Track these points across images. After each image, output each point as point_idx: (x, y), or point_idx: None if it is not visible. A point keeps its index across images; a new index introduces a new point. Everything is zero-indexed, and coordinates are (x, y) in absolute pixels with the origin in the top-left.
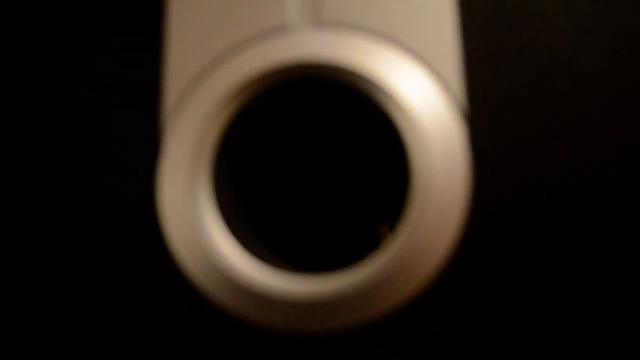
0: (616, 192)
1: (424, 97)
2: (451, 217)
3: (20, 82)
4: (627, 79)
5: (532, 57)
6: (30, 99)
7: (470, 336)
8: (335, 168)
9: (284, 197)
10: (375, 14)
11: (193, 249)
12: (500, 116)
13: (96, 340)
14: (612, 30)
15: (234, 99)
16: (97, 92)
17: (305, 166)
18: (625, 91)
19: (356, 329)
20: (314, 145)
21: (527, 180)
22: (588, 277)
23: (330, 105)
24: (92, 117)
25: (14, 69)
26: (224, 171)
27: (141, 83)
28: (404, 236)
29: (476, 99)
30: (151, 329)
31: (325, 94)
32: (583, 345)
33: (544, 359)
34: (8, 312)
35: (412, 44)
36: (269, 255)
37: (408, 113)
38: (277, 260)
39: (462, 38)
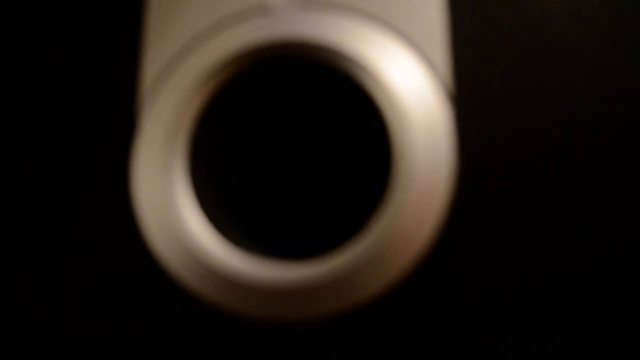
0: (604, 176)
1: (408, 77)
2: (434, 202)
3: None
4: (621, 65)
5: (523, 39)
6: (1, 83)
7: (450, 324)
8: (317, 150)
9: (265, 180)
10: None
11: (167, 234)
12: (487, 98)
13: (70, 328)
14: (607, 17)
15: (210, 80)
16: (73, 73)
17: (287, 148)
18: (618, 77)
19: (332, 317)
20: (296, 127)
21: (514, 163)
22: (572, 267)
23: (313, 85)
24: (67, 99)
25: None
26: (201, 154)
27: (118, 62)
28: (384, 222)
29: (463, 80)
30: (125, 317)
31: (307, 74)
32: (562, 336)
33: (523, 346)
34: None
35: (397, 23)
36: (248, 241)
37: (391, 94)
38: (257, 246)
39: (449, 17)
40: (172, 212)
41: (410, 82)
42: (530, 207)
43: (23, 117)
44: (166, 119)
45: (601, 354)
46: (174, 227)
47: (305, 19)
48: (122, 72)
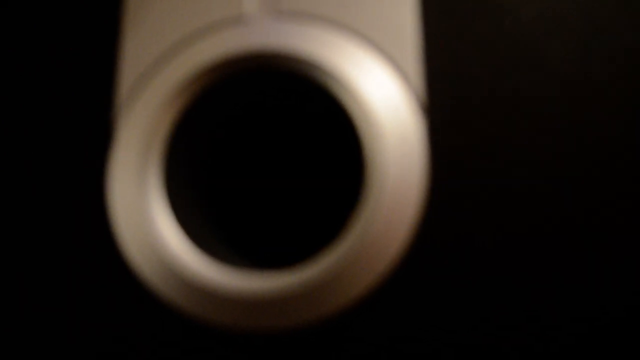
0: (578, 184)
1: (381, 88)
2: (406, 211)
3: None
4: (594, 70)
5: (494, 48)
6: None
7: (424, 332)
8: (293, 161)
9: (241, 189)
10: (334, 3)
11: (141, 243)
12: (459, 109)
13: (41, 336)
14: (579, 22)
15: (187, 90)
16: (50, 81)
17: (263, 159)
18: (591, 83)
19: (306, 326)
20: (271, 136)
21: (485, 172)
22: (545, 271)
23: (287, 95)
24: (44, 107)
25: None
26: (177, 164)
27: (94, 71)
28: (356, 231)
29: (435, 91)
30: (99, 325)
31: (281, 84)
32: (541, 339)
33: (499, 347)
34: None
35: (369, 33)
36: (223, 251)
37: (364, 104)
38: (233, 255)
39: (421, 28)
40: (147, 223)
41: (382, 92)
42: (502, 215)
43: None
44: (142, 129)
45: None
46: (149, 238)
47: (280, 29)
48: (97, 82)
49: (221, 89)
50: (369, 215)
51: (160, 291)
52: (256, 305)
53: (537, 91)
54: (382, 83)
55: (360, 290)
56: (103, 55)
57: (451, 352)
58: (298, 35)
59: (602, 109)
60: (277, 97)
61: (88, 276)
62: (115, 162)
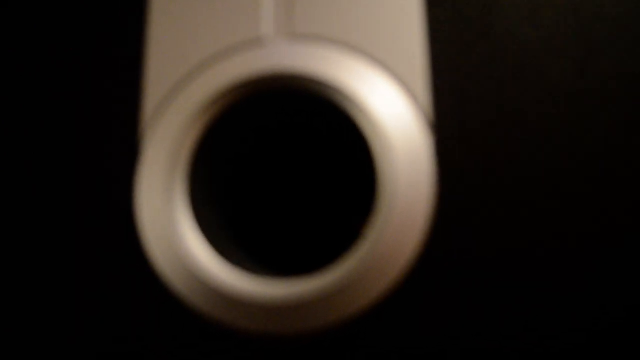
0: (581, 200)
1: (391, 107)
2: (415, 226)
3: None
4: (593, 88)
5: (498, 67)
6: (9, 108)
7: (434, 340)
8: (309, 175)
9: (261, 203)
10: (345, 26)
11: (168, 254)
12: (466, 126)
13: (73, 343)
14: (577, 41)
15: (209, 109)
16: (77, 101)
17: (281, 173)
18: (591, 100)
19: (323, 332)
20: (288, 154)
21: (492, 189)
22: (551, 281)
23: (303, 115)
24: (72, 125)
25: None
26: (201, 178)
27: (121, 93)
28: (369, 242)
29: (442, 109)
30: (127, 331)
31: (297, 104)
32: (550, 348)
33: (508, 356)
34: None
35: (380, 55)
36: (245, 260)
37: (374, 122)
38: (253, 264)
39: (429, 49)
40: (174, 235)
41: (392, 111)
42: (509, 231)
43: (27, 142)
44: (167, 147)
45: None
46: (176, 248)
47: (296, 52)
48: (124, 103)
49: (241, 109)
50: (382, 225)
51: (187, 298)
52: (276, 311)
53: (540, 108)
54: (391, 101)
55: (374, 297)
56: (129, 77)
57: (461, 358)
58: (313, 57)
59: (601, 126)
60: (294, 116)
61: (120, 288)
62: (143, 179)
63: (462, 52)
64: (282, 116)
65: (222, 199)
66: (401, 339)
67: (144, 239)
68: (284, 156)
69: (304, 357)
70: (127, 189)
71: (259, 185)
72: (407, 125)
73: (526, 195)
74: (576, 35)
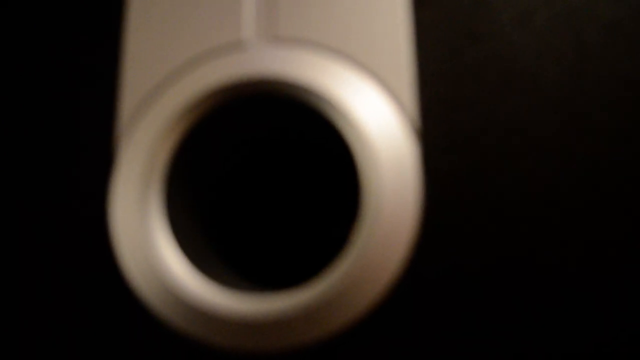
0: (572, 210)
1: (376, 114)
2: (401, 237)
3: None
4: (586, 92)
5: (488, 73)
6: None
7: (421, 351)
8: (292, 183)
9: (243, 213)
10: (329, 30)
11: (143, 267)
12: (453, 134)
13: (46, 358)
14: (569, 45)
15: (186, 117)
16: (51, 106)
17: (263, 182)
18: (584, 104)
19: (304, 349)
20: (270, 162)
21: (479, 196)
22: (539, 294)
23: (284, 120)
24: (45, 132)
25: None
26: (179, 188)
27: (95, 97)
28: (352, 256)
29: (429, 115)
30: (100, 348)
31: (278, 110)
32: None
33: None
34: None
35: (365, 60)
36: (226, 273)
37: (359, 130)
38: (233, 277)
39: (416, 54)
40: (149, 248)
41: (378, 117)
42: (496, 241)
43: None
44: (143, 155)
45: None
46: (151, 262)
47: (278, 56)
48: (98, 109)
49: (220, 115)
50: (366, 237)
51: (162, 314)
52: (256, 327)
53: (529, 115)
54: (377, 108)
55: (358, 313)
56: (104, 81)
57: None
58: (295, 61)
59: (594, 132)
60: (275, 123)
61: (91, 300)
62: (117, 187)
63: (450, 56)
64: (263, 123)
65: (201, 210)
66: (388, 352)
67: (118, 253)
68: (265, 165)
69: None
70: (101, 200)
71: (240, 195)
72: (393, 133)
73: (515, 205)
74: (569, 41)
